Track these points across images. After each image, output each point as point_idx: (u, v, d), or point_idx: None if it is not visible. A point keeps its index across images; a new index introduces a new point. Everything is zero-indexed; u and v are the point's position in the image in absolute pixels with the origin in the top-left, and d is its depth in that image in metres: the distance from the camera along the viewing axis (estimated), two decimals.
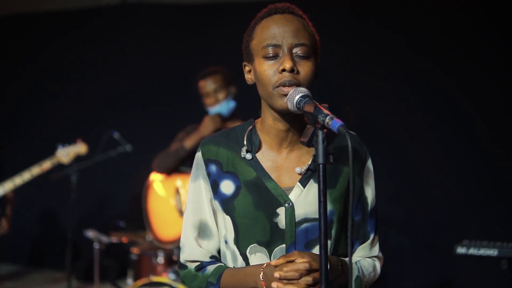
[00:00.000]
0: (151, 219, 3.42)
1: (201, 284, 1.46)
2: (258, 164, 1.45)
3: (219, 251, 1.50)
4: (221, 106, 3.10)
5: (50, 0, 5.78)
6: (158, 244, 3.37)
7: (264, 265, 1.37)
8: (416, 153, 4.40)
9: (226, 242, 1.47)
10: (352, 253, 1.27)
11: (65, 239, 4.34)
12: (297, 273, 1.29)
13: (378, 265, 1.54)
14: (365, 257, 1.52)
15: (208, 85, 3.10)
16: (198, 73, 3.19)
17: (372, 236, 1.52)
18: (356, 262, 1.48)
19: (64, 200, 4.60)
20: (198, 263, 1.48)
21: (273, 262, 1.34)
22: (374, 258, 1.55)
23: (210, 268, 1.47)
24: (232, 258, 1.46)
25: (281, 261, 1.33)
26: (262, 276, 1.35)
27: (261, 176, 1.44)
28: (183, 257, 1.50)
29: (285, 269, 1.30)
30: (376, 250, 1.54)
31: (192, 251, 1.48)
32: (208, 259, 1.48)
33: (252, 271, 1.39)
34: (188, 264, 1.49)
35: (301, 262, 1.30)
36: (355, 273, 1.45)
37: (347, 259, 1.46)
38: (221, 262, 1.49)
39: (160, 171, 3.29)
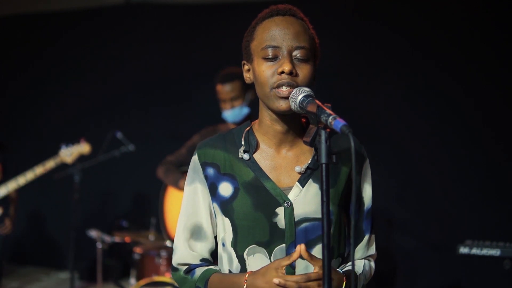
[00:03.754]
0: (166, 218, 3.45)
1: None
2: (256, 165, 1.45)
3: (213, 255, 1.50)
4: (234, 112, 3.09)
5: (53, 0, 5.79)
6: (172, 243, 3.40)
7: (247, 276, 1.36)
8: (418, 153, 4.40)
9: (223, 244, 1.47)
10: (354, 254, 1.27)
11: (68, 239, 4.35)
12: (296, 285, 1.28)
13: (373, 264, 1.58)
14: (363, 258, 1.55)
15: (225, 91, 3.06)
16: (217, 73, 3.14)
17: (368, 236, 1.54)
18: (362, 271, 1.49)
19: (67, 199, 4.61)
20: (187, 266, 1.49)
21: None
22: (369, 258, 1.57)
23: (198, 272, 1.46)
24: (228, 261, 1.46)
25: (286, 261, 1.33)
26: (246, 286, 1.34)
27: (259, 176, 1.44)
28: (174, 260, 1.51)
29: (286, 277, 1.28)
30: (372, 249, 1.57)
31: (183, 254, 1.49)
32: (198, 262, 1.48)
33: (236, 281, 1.38)
34: (179, 267, 1.50)
35: (301, 275, 1.29)
36: (361, 283, 1.47)
37: (350, 267, 1.47)
38: (212, 265, 1.49)
39: (159, 177, 3.41)
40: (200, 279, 1.45)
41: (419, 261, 4.38)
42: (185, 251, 1.48)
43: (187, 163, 3.27)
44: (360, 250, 1.53)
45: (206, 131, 3.26)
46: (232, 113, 3.09)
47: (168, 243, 3.48)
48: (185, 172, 3.28)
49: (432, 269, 4.33)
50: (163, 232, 3.49)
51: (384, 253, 4.36)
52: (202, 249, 1.49)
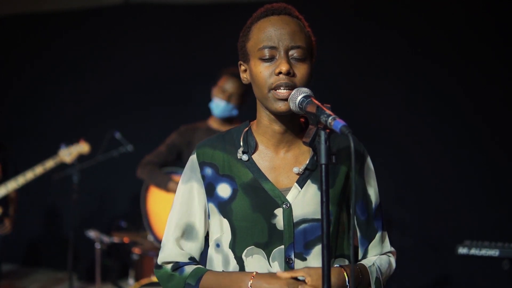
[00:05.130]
0: (151, 220, 3.42)
1: (178, 285, 1.43)
2: (255, 166, 1.44)
3: (200, 256, 1.49)
4: (226, 107, 3.09)
5: (52, 0, 5.79)
6: (159, 244, 3.37)
7: (254, 273, 1.35)
8: (418, 154, 4.40)
9: (218, 245, 1.45)
10: (353, 252, 1.26)
11: (66, 239, 4.35)
12: None
13: (393, 260, 1.56)
14: (379, 255, 1.53)
15: (229, 85, 3.07)
16: (227, 67, 3.13)
17: (380, 233, 1.53)
18: (373, 263, 1.48)
19: (66, 200, 4.61)
20: (174, 263, 1.46)
21: (279, 274, 1.33)
22: (388, 254, 1.56)
23: (188, 269, 1.44)
24: (223, 262, 1.45)
25: (287, 274, 1.32)
26: (250, 284, 1.33)
27: (257, 178, 1.43)
28: (161, 257, 1.48)
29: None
30: (387, 245, 1.56)
31: (171, 252, 1.47)
32: (186, 260, 1.46)
33: (239, 277, 1.36)
34: (165, 265, 1.48)
35: (308, 286, 1.28)
36: (374, 275, 1.45)
37: (363, 262, 1.48)
38: (199, 265, 1.47)
39: (140, 178, 3.36)
40: (191, 276, 1.42)
41: (418, 261, 4.38)
42: (174, 249, 1.47)
43: (168, 162, 3.27)
44: (374, 248, 1.52)
45: (185, 129, 3.24)
46: (223, 107, 3.08)
47: (151, 238, 3.45)
48: (171, 173, 3.28)
49: (431, 269, 4.34)
50: (149, 232, 3.46)
51: None
52: (192, 248, 1.47)
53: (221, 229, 1.45)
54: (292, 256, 1.40)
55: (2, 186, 3.97)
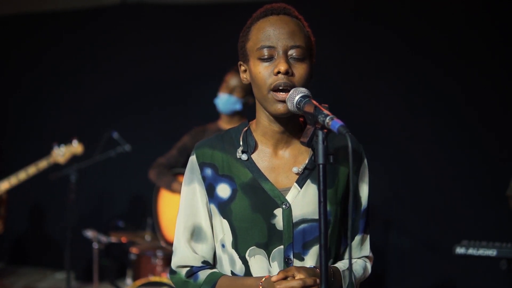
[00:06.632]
0: (161, 222, 3.43)
1: None
2: (254, 165, 1.44)
3: (213, 256, 1.48)
4: (229, 99, 3.10)
5: (50, 1, 5.77)
6: (169, 247, 3.36)
7: (263, 279, 1.35)
8: (415, 153, 4.40)
9: (223, 246, 1.45)
10: (351, 254, 1.26)
11: (64, 239, 4.34)
12: None
13: (369, 266, 1.54)
14: (356, 258, 1.53)
15: (232, 80, 3.12)
16: (228, 68, 3.20)
17: (360, 235, 1.52)
18: (347, 268, 1.47)
19: (64, 200, 4.60)
20: (188, 269, 1.46)
21: (273, 278, 1.33)
22: (364, 259, 1.54)
23: (202, 276, 1.44)
24: (230, 262, 1.44)
25: (281, 275, 1.31)
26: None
27: (257, 178, 1.43)
28: (174, 262, 1.48)
29: (278, 287, 1.28)
30: (366, 249, 1.54)
31: (184, 255, 1.46)
32: (199, 264, 1.46)
33: (250, 284, 1.37)
34: (179, 270, 1.47)
35: (296, 280, 1.28)
36: (347, 280, 1.44)
37: (337, 264, 1.46)
38: (214, 268, 1.47)
39: (151, 180, 3.38)
40: (206, 282, 1.42)
41: (415, 261, 4.38)
42: (187, 252, 1.46)
43: (178, 164, 3.27)
44: (352, 250, 1.51)
45: (196, 131, 3.25)
46: (226, 99, 3.10)
47: (163, 244, 3.45)
48: (177, 174, 3.28)
49: (429, 269, 4.34)
50: (158, 235, 3.47)
51: (381, 252, 4.36)
52: (203, 250, 1.46)
53: (222, 230, 1.45)
54: (291, 256, 1.40)
55: None
